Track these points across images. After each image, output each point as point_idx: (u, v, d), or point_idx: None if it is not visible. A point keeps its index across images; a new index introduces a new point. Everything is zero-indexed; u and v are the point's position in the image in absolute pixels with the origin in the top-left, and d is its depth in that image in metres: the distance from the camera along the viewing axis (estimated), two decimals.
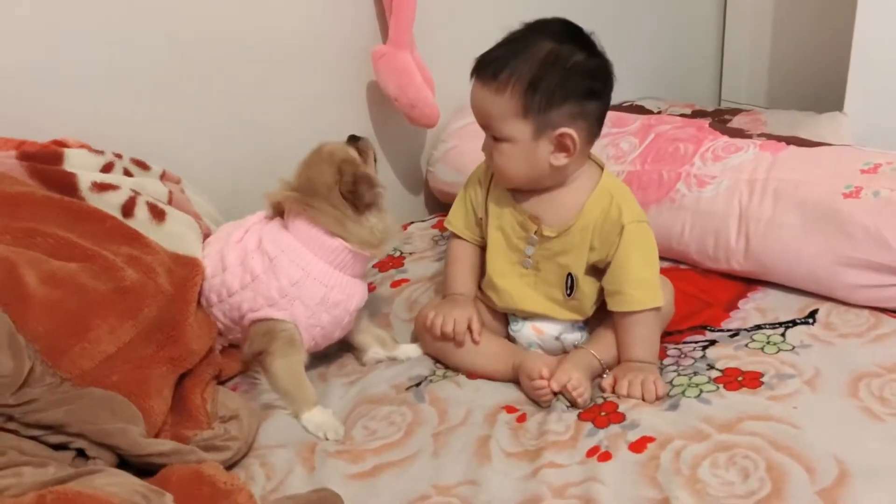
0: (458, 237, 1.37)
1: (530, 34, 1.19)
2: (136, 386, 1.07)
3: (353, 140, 1.32)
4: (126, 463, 1.03)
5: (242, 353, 1.28)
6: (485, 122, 1.22)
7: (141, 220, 1.28)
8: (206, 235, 1.37)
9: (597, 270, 1.26)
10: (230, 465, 1.09)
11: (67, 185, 1.26)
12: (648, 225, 1.26)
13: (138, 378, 1.08)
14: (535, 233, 1.26)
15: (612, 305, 1.24)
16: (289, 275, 1.21)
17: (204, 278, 1.26)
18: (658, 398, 1.16)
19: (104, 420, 1.00)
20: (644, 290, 1.22)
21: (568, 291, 1.27)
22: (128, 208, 1.28)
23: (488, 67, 1.18)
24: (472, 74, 1.21)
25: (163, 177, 1.47)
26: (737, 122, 2.00)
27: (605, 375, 1.23)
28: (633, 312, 1.22)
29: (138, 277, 1.15)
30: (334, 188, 1.22)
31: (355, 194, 1.21)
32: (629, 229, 1.21)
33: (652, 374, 1.19)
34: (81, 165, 1.34)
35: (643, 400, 1.16)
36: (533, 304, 1.29)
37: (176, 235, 1.28)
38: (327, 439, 1.16)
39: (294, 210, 1.23)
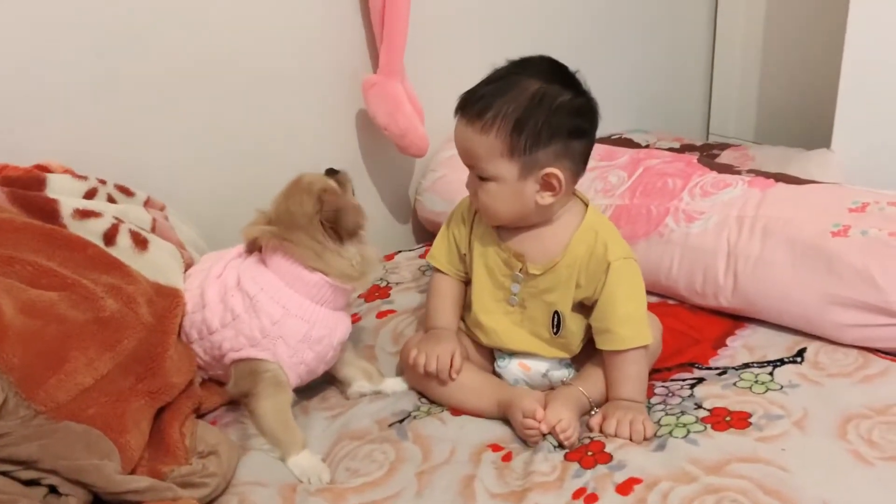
0: (441, 271, 1.36)
1: (516, 72, 1.18)
2: (112, 420, 1.04)
3: (332, 173, 1.30)
4: (100, 500, 1.00)
5: (227, 391, 1.25)
6: (470, 162, 1.21)
7: (123, 249, 1.26)
8: (189, 265, 1.35)
9: (584, 308, 1.25)
10: (208, 503, 1.07)
11: (49, 211, 1.24)
12: (635, 261, 1.25)
13: (115, 412, 1.05)
14: (520, 270, 1.24)
15: (600, 344, 1.23)
16: (269, 314, 1.19)
17: (185, 312, 1.23)
18: (646, 439, 1.14)
19: (78, 455, 0.97)
20: (631, 327, 1.21)
21: (555, 329, 1.26)
22: (110, 236, 1.26)
23: (473, 106, 1.17)
24: (456, 112, 1.19)
25: (147, 203, 1.45)
26: (725, 157, 2.01)
27: (592, 413, 1.21)
28: (620, 351, 1.21)
29: (118, 308, 1.13)
30: (314, 218, 1.19)
31: (336, 222, 1.19)
32: (615, 266, 1.20)
33: (640, 413, 1.17)
34: (64, 191, 1.32)
35: (630, 440, 1.14)
36: (519, 342, 1.28)
37: (158, 265, 1.26)
38: (311, 484, 1.13)
39: (271, 245, 1.21)
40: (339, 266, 1.20)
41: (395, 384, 1.34)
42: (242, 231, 1.23)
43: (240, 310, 1.20)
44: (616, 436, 1.15)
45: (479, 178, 1.20)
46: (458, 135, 1.20)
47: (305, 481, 1.13)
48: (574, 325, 1.25)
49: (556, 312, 1.25)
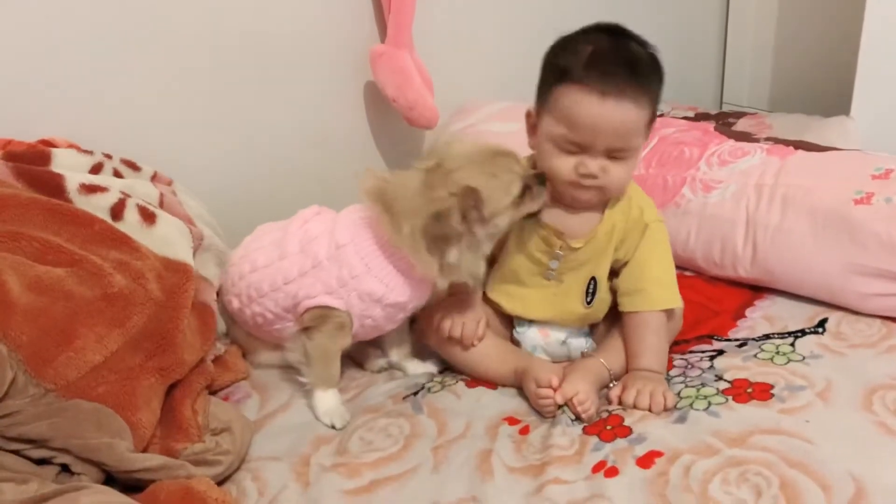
0: None
1: (617, 38, 1.15)
2: (123, 398, 1.02)
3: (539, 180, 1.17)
4: (113, 478, 0.99)
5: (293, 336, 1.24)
6: (617, 142, 1.12)
7: (130, 224, 1.23)
8: (199, 239, 1.32)
9: (612, 272, 1.25)
10: (221, 480, 1.05)
11: (54, 186, 1.21)
12: (664, 224, 1.25)
13: (126, 389, 1.03)
14: (561, 248, 1.22)
15: (630, 306, 1.21)
16: (351, 266, 1.16)
17: (196, 285, 1.21)
18: (666, 409, 1.12)
19: (89, 434, 0.95)
20: (665, 289, 1.22)
21: (589, 298, 1.24)
22: (117, 211, 1.23)
23: (618, 80, 1.10)
24: (597, 92, 1.09)
25: (154, 178, 1.42)
26: (741, 125, 1.97)
27: (611, 385, 1.19)
28: (647, 316, 1.20)
29: (127, 283, 1.10)
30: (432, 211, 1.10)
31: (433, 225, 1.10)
32: (653, 227, 1.22)
33: (660, 384, 1.15)
34: (69, 166, 1.30)
35: (650, 411, 1.12)
36: (548, 313, 1.26)
37: (166, 239, 1.23)
38: (333, 427, 1.16)
39: (375, 218, 1.16)
40: (421, 263, 1.13)
41: (418, 367, 1.31)
42: (363, 187, 1.16)
43: (322, 256, 1.18)
44: (635, 406, 1.13)
45: (610, 157, 1.14)
46: (608, 115, 1.10)
47: (327, 422, 1.16)
48: (604, 292, 1.25)
49: (592, 279, 1.23)
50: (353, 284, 1.17)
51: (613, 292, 1.25)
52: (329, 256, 1.18)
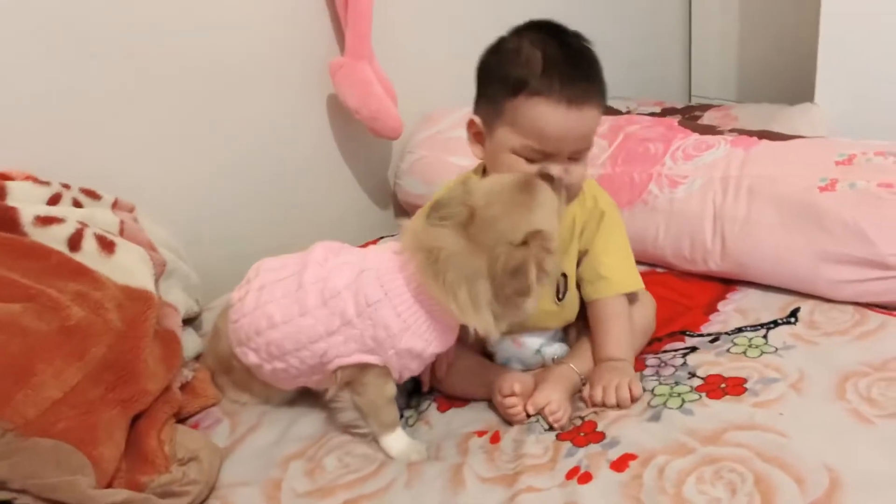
0: None
1: (569, 38, 1.14)
2: (84, 432, 1.00)
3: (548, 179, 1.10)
4: None
5: (327, 394, 1.16)
6: (580, 144, 1.13)
7: (89, 254, 1.21)
8: (161, 265, 1.30)
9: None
10: None
11: (8, 220, 1.19)
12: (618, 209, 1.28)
13: (87, 424, 1.01)
14: None
15: (593, 293, 1.21)
16: (387, 326, 1.06)
17: (158, 316, 1.18)
18: (634, 400, 1.12)
19: (49, 473, 0.93)
20: (625, 273, 1.23)
21: (560, 296, 1.23)
22: (74, 241, 1.21)
23: (578, 85, 1.09)
24: (553, 98, 1.09)
25: (115, 205, 1.41)
26: (707, 118, 1.97)
27: (583, 391, 1.18)
28: (609, 302, 1.20)
29: (85, 315, 1.08)
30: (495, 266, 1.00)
31: (504, 285, 1.00)
32: (608, 214, 1.22)
33: (625, 375, 1.14)
34: (25, 198, 1.28)
35: (618, 407, 1.11)
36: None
37: (126, 268, 1.22)
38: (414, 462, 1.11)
39: (421, 274, 1.04)
40: (480, 324, 1.03)
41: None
42: (403, 233, 1.08)
43: (351, 314, 1.08)
44: (604, 404, 1.12)
45: (570, 158, 1.13)
46: (575, 123, 1.10)
47: (402, 459, 1.11)
48: (574, 288, 1.24)
49: (562, 276, 1.22)
50: (391, 343, 1.08)
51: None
52: (360, 314, 1.08)
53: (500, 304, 1.02)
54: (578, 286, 1.25)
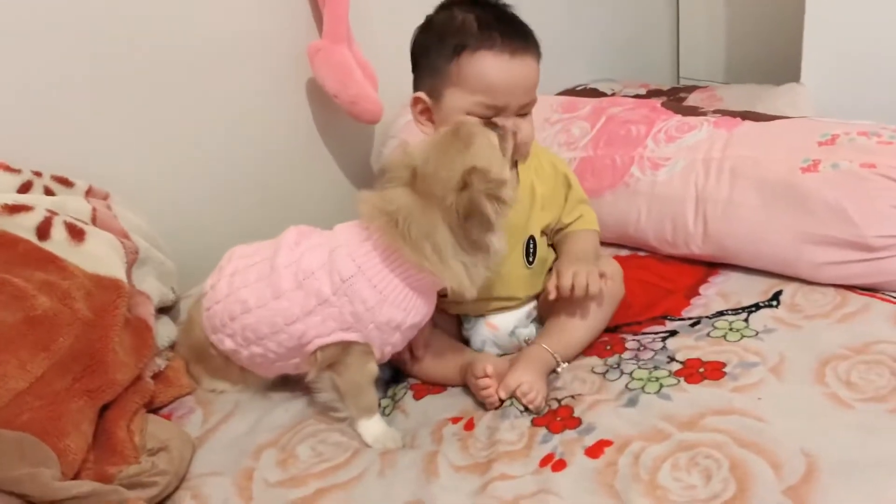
0: None
1: (479, 5, 1.17)
2: (49, 424, 0.98)
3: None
4: None
5: (308, 376, 1.15)
6: (525, 98, 1.15)
7: (58, 242, 1.18)
8: (134, 253, 1.28)
9: (544, 233, 1.30)
10: (160, 501, 1.02)
11: None
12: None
13: (52, 415, 0.99)
14: None
15: (572, 228, 1.30)
16: (364, 299, 1.06)
17: (129, 304, 1.16)
18: (591, 295, 1.16)
19: (11, 466, 0.90)
20: (592, 213, 1.34)
21: (530, 258, 1.25)
22: (43, 230, 1.19)
23: (519, 37, 1.14)
24: (499, 49, 1.11)
25: (89, 193, 1.38)
26: (692, 99, 1.95)
27: (559, 370, 1.17)
28: (583, 233, 1.30)
29: (51, 305, 1.06)
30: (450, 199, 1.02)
31: (469, 216, 1.01)
32: (570, 175, 1.33)
33: (595, 267, 1.19)
34: None
35: (588, 292, 1.15)
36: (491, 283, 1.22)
37: (96, 256, 1.19)
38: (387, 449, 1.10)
39: (384, 233, 1.05)
40: (453, 277, 1.04)
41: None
42: (364, 206, 1.07)
43: (327, 292, 1.07)
44: (574, 288, 1.15)
45: (518, 115, 1.16)
46: (518, 72, 1.13)
47: (379, 447, 1.10)
48: (543, 250, 1.28)
49: (530, 238, 1.25)
50: (370, 317, 1.07)
51: (552, 247, 1.32)
52: (336, 291, 1.07)
53: (467, 252, 1.04)
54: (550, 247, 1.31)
